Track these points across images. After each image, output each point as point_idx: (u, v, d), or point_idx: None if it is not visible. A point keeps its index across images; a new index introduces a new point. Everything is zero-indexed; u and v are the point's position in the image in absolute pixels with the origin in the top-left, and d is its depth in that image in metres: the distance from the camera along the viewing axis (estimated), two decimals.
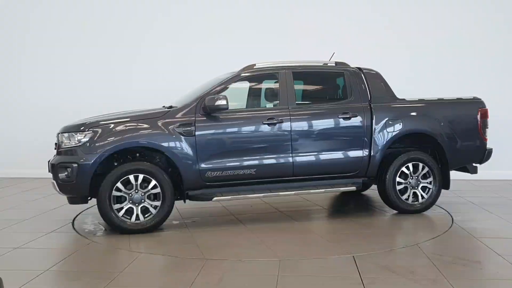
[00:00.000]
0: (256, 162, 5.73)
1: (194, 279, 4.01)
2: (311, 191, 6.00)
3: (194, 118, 5.59)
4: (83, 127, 5.45)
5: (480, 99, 6.62)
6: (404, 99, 6.44)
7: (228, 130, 5.73)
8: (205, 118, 5.62)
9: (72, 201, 5.61)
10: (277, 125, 5.80)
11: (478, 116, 6.45)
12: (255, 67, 6.10)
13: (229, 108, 5.80)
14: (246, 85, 6.22)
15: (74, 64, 9.65)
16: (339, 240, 5.28)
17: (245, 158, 5.71)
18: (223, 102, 5.51)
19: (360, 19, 9.55)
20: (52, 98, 9.61)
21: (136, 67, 9.48)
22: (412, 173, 6.23)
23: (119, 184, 5.34)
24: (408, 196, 6.23)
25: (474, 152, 6.52)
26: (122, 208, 5.38)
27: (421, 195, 6.26)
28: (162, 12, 9.59)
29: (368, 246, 4.97)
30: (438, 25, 9.50)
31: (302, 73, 6.28)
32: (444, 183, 6.39)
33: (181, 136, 5.51)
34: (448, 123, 6.36)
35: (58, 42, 9.65)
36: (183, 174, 5.52)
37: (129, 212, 5.42)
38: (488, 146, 6.56)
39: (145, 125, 5.50)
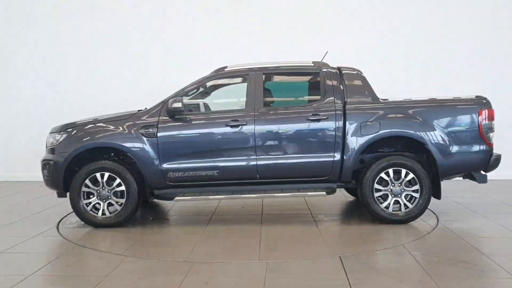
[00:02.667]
0: (218, 164, 5.77)
1: (181, 282, 4.02)
2: (276, 194, 5.88)
3: (157, 120, 5.83)
4: (61, 128, 6.02)
5: (484, 99, 5.87)
6: (386, 100, 5.96)
7: (190, 132, 5.85)
8: (169, 120, 5.82)
9: (59, 195, 6.19)
10: (240, 127, 5.77)
11: (479, 118, 5.73)
12: (226, 69, 6.15)
13: (200, 110, 5.94)
14: (219, 87, 6.27)
15: (73, 65, 9.70)
16: (326, 242, 5.21)
17: (206, 160, 5.78)
18: (179, 104, 5.67)
19: (356, 17, 9.30)
20: (48, 102, 9.66)
21: (137, 68, 9.60)
22: (393, 179, 5.75)
23: (87, 181, 5.80)
24: (389, 204, 5.76)
25: (476, 158, 5.80)
26: (90, 203, 5.83)
27: (404, 204, 5.75)
28: (163, 13, 9.58)
29: (355, 247, 4.97)
30: (445, 20, 9.17)
31: (274, 74, 6.17)
32: (435, 192, 5.80)
33: (143, 137, 5.78)
34: (439, 125, 5.75)
35: (60, 43, 9.70)
36: (145, 174, 5.80)
37: (98, 207, 5.85)
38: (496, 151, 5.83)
39: (111, 127, 5.89)
